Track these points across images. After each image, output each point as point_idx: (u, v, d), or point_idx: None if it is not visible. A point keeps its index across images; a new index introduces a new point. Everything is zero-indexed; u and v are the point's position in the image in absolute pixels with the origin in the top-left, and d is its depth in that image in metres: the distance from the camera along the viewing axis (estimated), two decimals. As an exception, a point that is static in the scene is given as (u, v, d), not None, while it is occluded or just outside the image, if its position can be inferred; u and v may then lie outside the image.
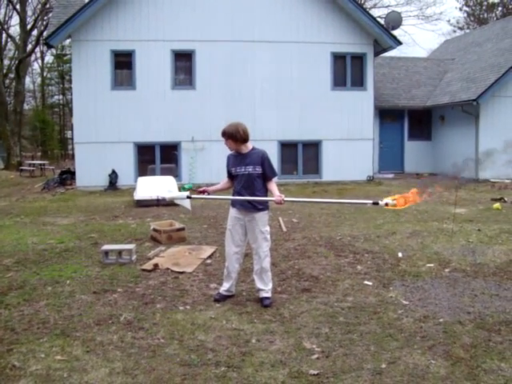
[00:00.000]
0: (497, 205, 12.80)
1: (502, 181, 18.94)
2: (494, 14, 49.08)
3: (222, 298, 5.90)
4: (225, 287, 5.97)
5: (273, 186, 5.80)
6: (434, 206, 13.08)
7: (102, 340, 4.81)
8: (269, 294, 5.83)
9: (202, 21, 18.19)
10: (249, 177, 5.71)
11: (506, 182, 18.76)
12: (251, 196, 5.65)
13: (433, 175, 21.79)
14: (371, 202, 5.27)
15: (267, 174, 5.77)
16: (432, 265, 7.35)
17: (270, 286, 5.89)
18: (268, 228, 5.89)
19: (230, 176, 5.93)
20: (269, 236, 5.89)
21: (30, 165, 27.28)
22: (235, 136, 5.73)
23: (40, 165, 27.29)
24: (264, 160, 5.75)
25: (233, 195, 5.90)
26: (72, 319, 5.34)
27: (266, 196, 5.87)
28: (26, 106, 45.83)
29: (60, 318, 5.39)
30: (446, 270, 7.08)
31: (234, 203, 5.87)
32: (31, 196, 16.35)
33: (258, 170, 5.71)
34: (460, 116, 20.69)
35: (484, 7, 50.08)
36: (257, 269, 5.87)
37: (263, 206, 5.80)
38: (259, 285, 5.86)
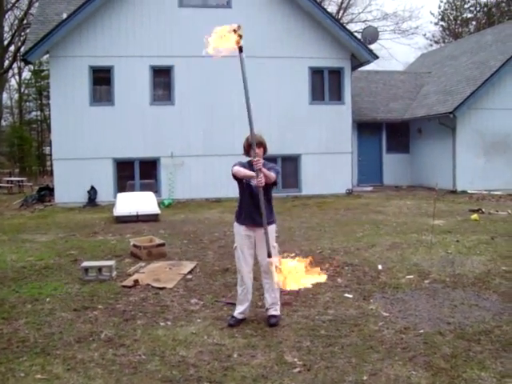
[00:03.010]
0: (475, 216, 12.95)
1: (480, 192, 19.16)
2: (468, 29, 49.92)
3: (236, 323, 5.62)
4: (239, 310, 5.73)
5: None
6: (412, 217, 13.20)
7: (83, 357, 4.77)
8: (278, 312, 5.73)
9: (181, 36, 18.25)
10: (263, 188, 5.44)
11: (484, 193, 18.98)
12: (266, 206, 5.32)
13: (411, 187, 21.98)
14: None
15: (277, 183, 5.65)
16: (412, 276, 7.41)
17: (279, 303, 5.81)
18: (276, 244, 5.75)
19: (240, 183, 5.69)
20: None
21: (7, 181, 26.97)
22: (266, 147, 5.67)
23: (18, 181, 27.02)
24: (277, 172, 5.62)
25: (242, 207, 5.71)
26: (52, 337, 5.29)
27: (272, 205, 5.77)
28: (3, 123, 45.45)
29: (40, 336, 5.34)
30: (426, 282, 7.14)
31: (242, 220, 5.72)
32: (9, 213, 16.18)
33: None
34: (437, 128, 20.94)
35: (459, 22, 50.92)
36: (268, 286, 5.68)
37: (273, 219, 5.71)
38: (272, 301, 5.70)
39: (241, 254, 5.72)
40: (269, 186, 5.56)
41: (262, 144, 5.59)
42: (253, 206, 5.55)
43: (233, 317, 5.72)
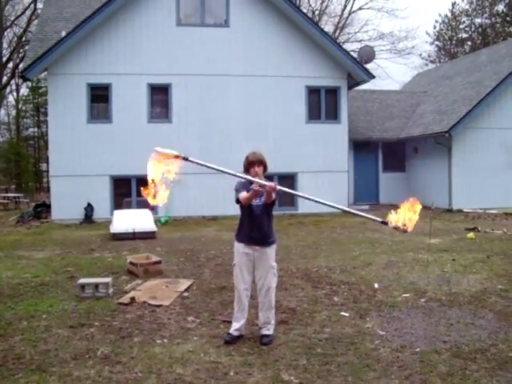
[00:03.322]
0: (471, 234, 12.99)
1: (476, 211, 19.22)
2: (463, 49, 50.39)
3: (232, 340, 5.60)
4: (235, 327, 5.70)
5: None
6: (409, 236, 13.20)
7: (79, 375, 4.76)
8: (271, 332, 5.72)
9: (178, 55, 18.41)
10: (263, 207, 5.65)
11: (480, 211, 19.04)
12: (267, 226, 5.53)
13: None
14: (380, 220, 5.04)
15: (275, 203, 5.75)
16: (408, 295, 7.42)
17: (273, 322, 5.81)
18: (275, 264, 5.80)
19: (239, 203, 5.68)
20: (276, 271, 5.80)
21: (4, 198, 27.00)
22: (266, 165, 5.72)
23: (14, 198, 27.05)
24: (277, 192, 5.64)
25: (242, 225, 5.71)
26: (48, 354, 5.28)
27: (273, 225, 5.79)
28: (0, 139, 45.55)
29: (36, 352, 5.32)
30: (422, 300, 7.15)
31: (242, 238, 5.71)
32: (5, 229, 16.16)
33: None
34: (433, 148, 21.05)
35: (454, 42, 51.41)
36: (263, 305, 5.72)
37: (273, 239, 5.76)
38: (265, 320, 5.72)
39: (239, 272, 5.72)
40: (269, 205, 5.63)
41: (261, 162, 5.65)
42: (253, 224, 5.61)
43: (229, 334, 5.71)
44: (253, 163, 5.62)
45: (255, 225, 5.61)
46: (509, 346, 5.38)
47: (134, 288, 7.99)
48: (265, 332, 5.70)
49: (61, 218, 17.40)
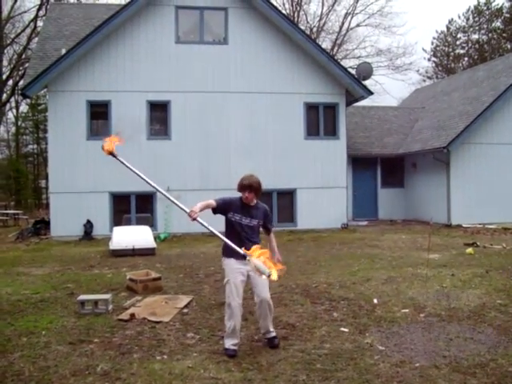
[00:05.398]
0: (470, 249, 13.00)
1: (474, 226, 19.25)
2: (460, 64, 50.70)
3: (236, 353, 5.70)
4: (233, 342, 5.74)
5: (272, 236, 6.17)
6: (408, 251, 13.24)
7: (79, 391, 4.76)
8: (274, 333, 6.02)
9: (178, 72, 18.52)
10: (253, 228, 5.86)
11: (478, 226, 19.07)
12: (254, 243, 5.48)
13: (406, 221, 22.07)
14: (242, 253, 5.09)
15: (269, 227, 6.12)
16: (407, 310, 7.43)
17: (272, 325, 6.06)
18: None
19: (220, 213, 5.84)
20: None
21: (3, 214, 26.98)
22: (259, 191, 5.90)
23: (14, 214, 27.01)
24: (268, 215, 6.07)
25: (228, 240, 5.62)
26: (48, 370, 5.28)
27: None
28: (-1, 155, 45.64)
29: (35, 369, 5.32)
30: (421, 315, 7.16)
31: (232, 253, 5.54)
32: (4, 246, 16.16)
33: (261, 222, 5.96)
34: (431, 163, 21.13)
35: (451, 58, 51.75)
36: (265, 313, 5.86)
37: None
38: (269, 327, 5.95)
39: (233, 287, 5.77)
40: (259, 228, 5.96)
41: (253, 188, 5.82)
42: (241, 239, 5.68)
43: (234, 349, 5.73)
44: (244, 188, 5.83)
45: (243, 239, 5.71)
46: (508, 361, 5.39)
47: (134, 304, 8.00)
48: (271, 335, 5.93)
49: (60, 235, 17.40)
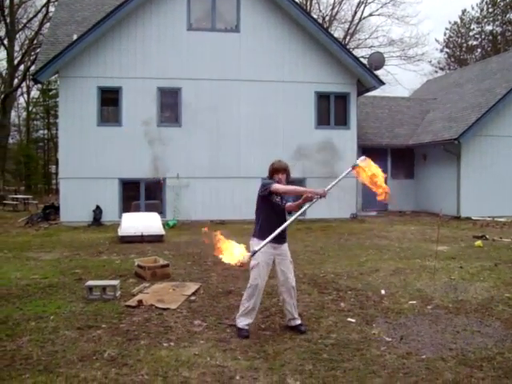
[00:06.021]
0: (478, 242, 12.95)
1: (484, 218, 19.17)
2: (473, 56, 50.30)
3: (248, 334, 5.91)
4: (247, 321, 5.98)
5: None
6: (416, 243, 13.21)
7: (86, 376, 4.79)
8: (300, 320, 6.21)
9: (189, 59, 18.48)
10: (284, 209, 6.38)
11: (488, 219, 18.98)
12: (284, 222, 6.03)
13: (415, 213, 22.00)
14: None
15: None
16: (415, 302, 7.41)
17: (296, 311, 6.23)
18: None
19: (267, 202, 6.12)
20: None
21: (13, 199, 27.13)
22: (289, 172, 6.31)
23: (23, 199, 27.16)
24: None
25: (265, 224, 6.02)
26: (55, 355, 5.31)
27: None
28: (10, 140, 45.79)
29: (43, 353, 5.36)
30: (429, 307, 7.15)
31: (264, 238, 5.64)
32: (14, 230, 16.26)
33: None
34: (442, 155, 21.03)
35: (464, 49, 51.35)
36: (290, 300, 6.09)
37: (286, 236, 6.25)
38: (295, 314, 6.14)
39: (262, 270, 5.94)
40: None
41: (285, 170, 6.24)
42: (277, 223, 5.86)
43: (246, 330, 5.93)
44: (277, 170, 6.19)
45: (279, 223, 5.88)
46: (515, 355, 5.38)
47: (142, 291, 8.03)
48: (297, 322, 6.12)
49: (69, 220, 17.48)
